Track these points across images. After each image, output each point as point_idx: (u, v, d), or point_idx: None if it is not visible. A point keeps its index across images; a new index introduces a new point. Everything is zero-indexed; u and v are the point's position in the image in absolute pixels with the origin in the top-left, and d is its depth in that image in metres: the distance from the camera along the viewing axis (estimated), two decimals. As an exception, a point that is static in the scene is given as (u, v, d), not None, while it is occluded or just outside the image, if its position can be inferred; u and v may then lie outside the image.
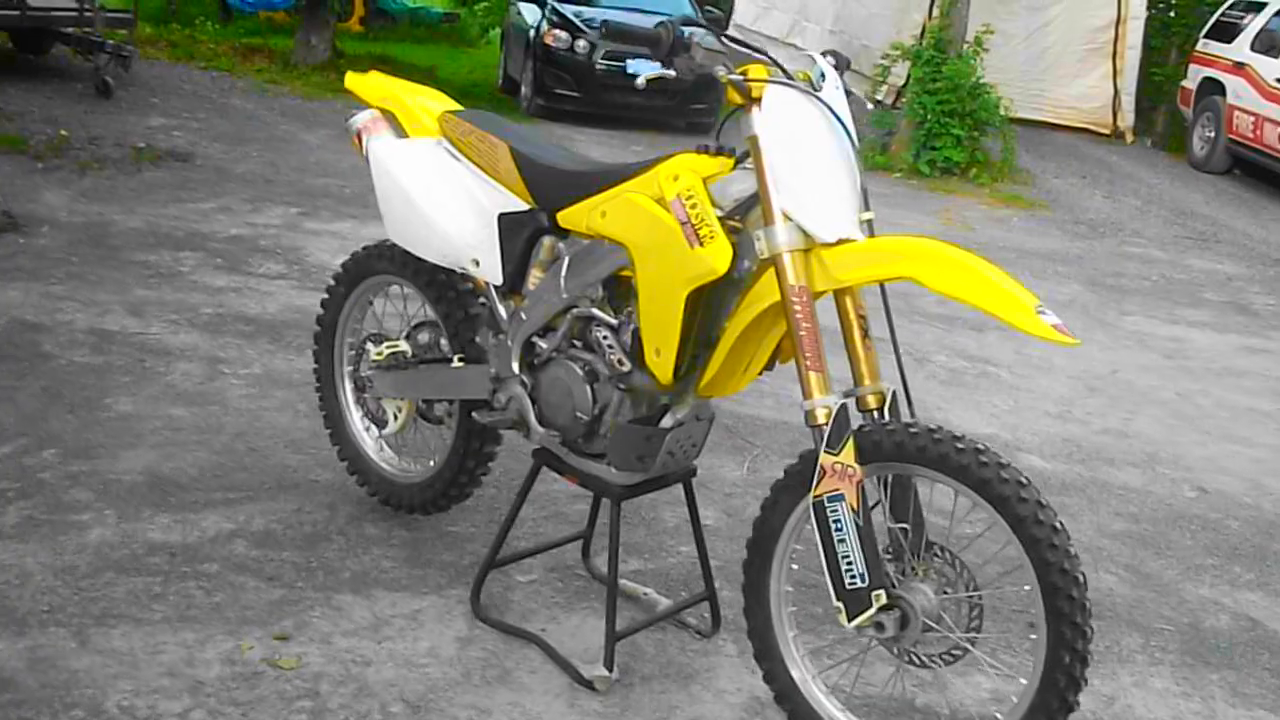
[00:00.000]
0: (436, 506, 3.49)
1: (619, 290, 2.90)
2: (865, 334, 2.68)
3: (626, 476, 2.93)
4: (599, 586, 3.40)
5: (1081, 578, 2.43)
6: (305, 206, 7.11)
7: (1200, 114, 13.77)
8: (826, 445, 2.52)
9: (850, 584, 2.53)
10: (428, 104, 3.31)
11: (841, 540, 2.53)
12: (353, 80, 3.49)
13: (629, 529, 3.67)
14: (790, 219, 2.54)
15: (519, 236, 3.02)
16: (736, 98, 2.61)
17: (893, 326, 2.72)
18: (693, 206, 2.62)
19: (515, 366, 3.06)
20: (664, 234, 2.65)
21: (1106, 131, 15.05)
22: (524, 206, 3.01)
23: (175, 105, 9.54)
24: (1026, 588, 2.47)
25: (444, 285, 3.28)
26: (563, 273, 2.92)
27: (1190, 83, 14.09)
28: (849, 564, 2.53)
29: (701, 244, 2.58)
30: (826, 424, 2.54)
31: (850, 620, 2.55)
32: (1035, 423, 5.19)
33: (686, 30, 2.65)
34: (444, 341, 3.37)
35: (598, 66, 11.64)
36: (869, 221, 2.64)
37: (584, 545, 3.48)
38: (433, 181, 3.12)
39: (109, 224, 6.23)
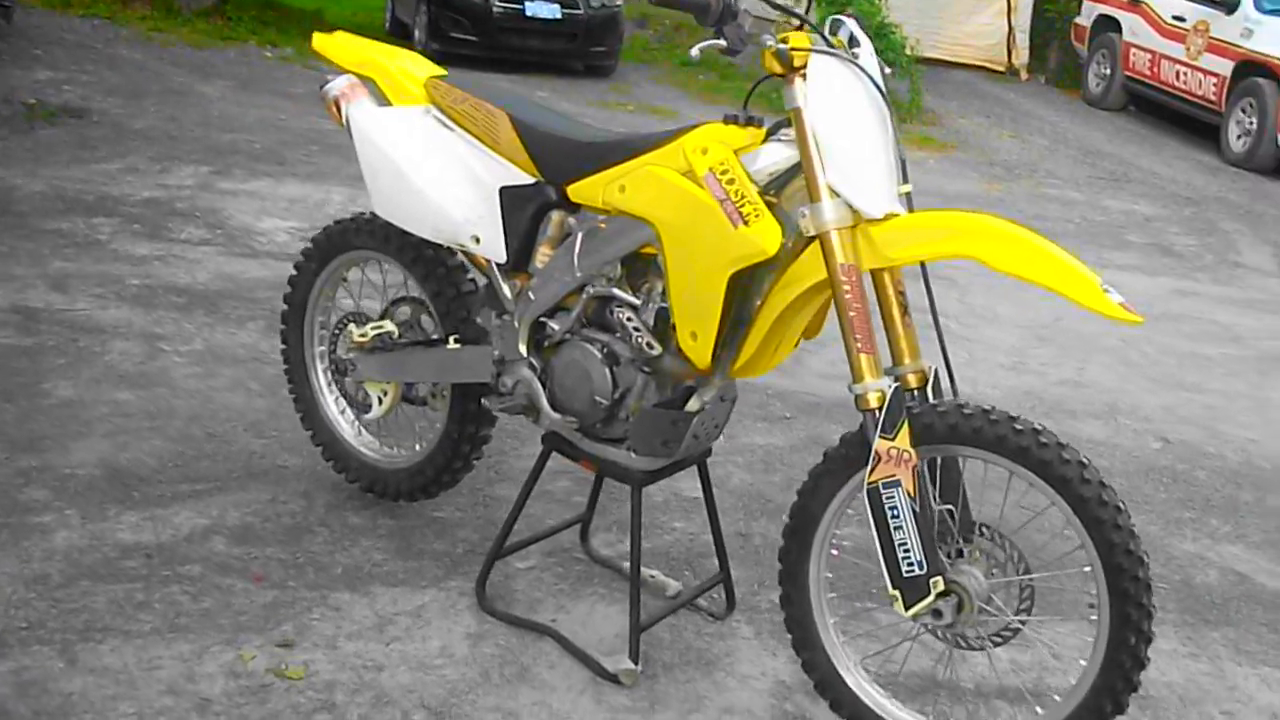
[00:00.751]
0: (426, 493, 3.35)
1: (638, 268, 2.78)
2: (905, 310, 2.61)
3: (648, 461, 2.83)
4: (601, 570, 3.31)
5: (1145, 558, 2.39)
6: (216, 165, 6.79)
7: (1095, 51, 13.98)
8: (881, 430, 2.45)
9: (908, 572, 2.47)
10: (409, 68, 3.13)
11: (899, 527, 2.46)
12: (321, 42, 3.28)
13: (617, 507, 3.57)
14: (837, 194, 2.44)
15: (524, 211, 2.87)
16: (776, 66, 2.49)
17: (934, 303, 2.64)
18: (729, 182, 2.51)
19: (523, 349, 2.92)
20: (699, 211, 2.53)
21: (1001, 69, 15.22)
22: (529, 179, 2.86)
23: (60, 57, 9.05)
24: (1086, 569, 2.44)
25: (432, 262, 3.12)
26: (576, 250, 2.78)
27: (1084, 20, 14.28)
28: (906, 551, 2.47)
29: (746, 223, 2.47)
30: (879, 408, 2.46)
31: (908, 609, 2.49)
32: (991, 375, 5.20)
33: None
34: (425, 320, 3.23)
35: (494, 9, 11.37)
36: (908, 194, 2.56)
37: (583, 528, 3.38)
38: (425, 153, 2.95)
39: (11, 189, 5.87)
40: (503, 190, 2.87)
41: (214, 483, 3.49)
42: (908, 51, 11.28)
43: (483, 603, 3.06)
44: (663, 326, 2.70)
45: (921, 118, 11.27)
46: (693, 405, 2.76)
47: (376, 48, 3.23)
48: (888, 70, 2.69)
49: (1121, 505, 2.40)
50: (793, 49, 2.45)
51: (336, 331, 3.35)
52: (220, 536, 3.23)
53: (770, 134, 2.63)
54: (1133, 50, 13.12)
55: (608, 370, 2.78)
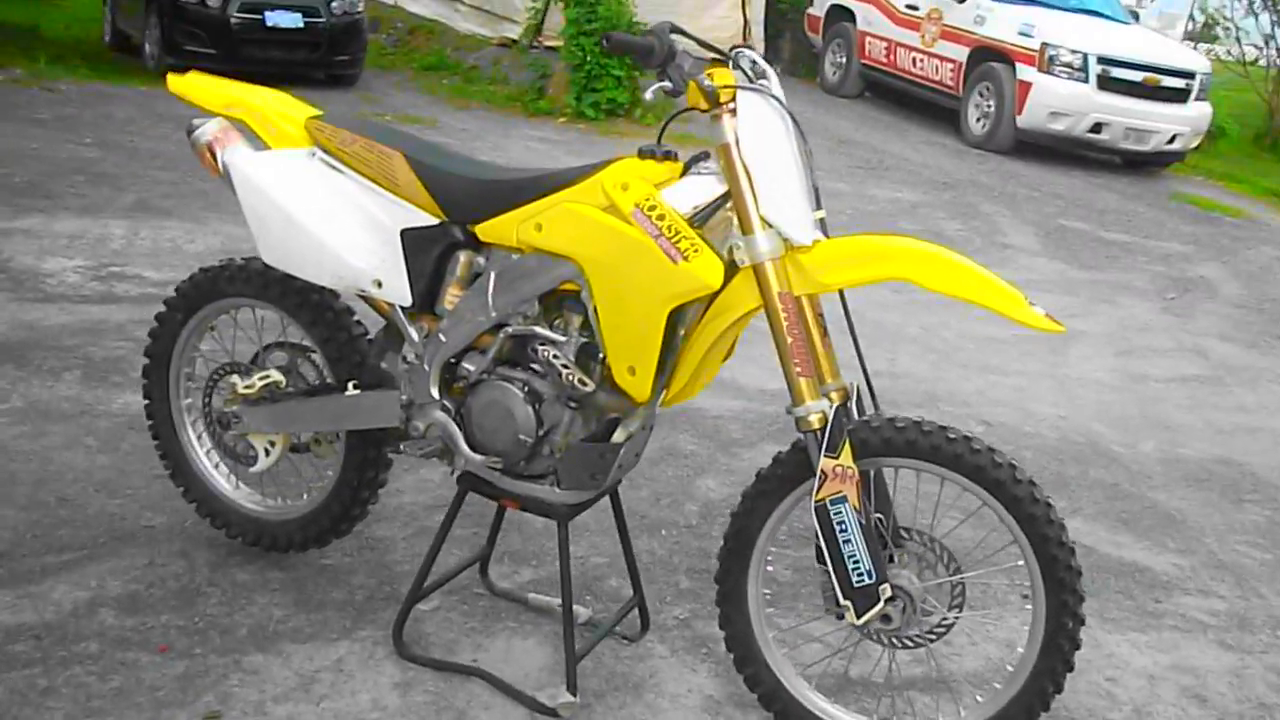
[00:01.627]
0: (320, 542, 3.33)
1: (552, 305, 2.85)
2: (824, 332, 2.77)
3: (573, 495, 2.91)
4: (507, 604, 3.36)
5: (1073, 547, 2.64)
6: (-27, 202, 6.43)
7: (830, 40, 14.66)
8: (826, 449, 2.61)
9: (858, 582, 2.64)
10: (283, 109, 3.10)
11: (847, 541, 2.63)
12: (177, 83, 3.20)
13: (504, 537, 3.63)
14: (770, 225, 2.58)
15: (428, 253, 2.90)
16: (703, 103, 2.61)
17: (851, 322, 2.81)
18: (659, 218, 2.61)
19: (435, 391, 2.95)
20: (631, 248, 2.62)
21: (740, 61, 15.70)
22: (431, 220, 2.88)
23: None
24: (1019, 563, 2.67)
25: (318, 307, 3.11)
26: (490, 290, 2.83)
27: (817, 10, 14.95)
28: (855, 563, 2.63)
29: (686, 258, 2.57)
30: (821, 429, 2.62)
31: (860, 617, 2.66)
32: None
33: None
34: (304, 366, 3.22)
35: (233, 19, 11.06)
36: (822, 220, 2.72)
37: (481, 563, 3.42)
38: (317, 198, 2.93)
39: None
40: (404, 233, 2.89)
41: (81, 550, 3.36)
42: (661, 49, 11.50)
43: (401, 650, 3.07)
44: (588, 362, 2.78)
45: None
46: (619, 436, 2.85)
47: (240, 87, 3.18)
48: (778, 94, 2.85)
49: (1050, 501, 2.63)
50: (720, 86, 2.58)
51: (212, 383, 3.29)
52: (107, 609, 3.12)
53: (687, 168, 2.75)
54: (868, 39, 13.82)
55: (531, 408, 2.84)
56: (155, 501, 3.63)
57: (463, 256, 2.89)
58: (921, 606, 2.73)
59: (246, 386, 3.16)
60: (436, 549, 3.07)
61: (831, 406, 2.65)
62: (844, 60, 14.45)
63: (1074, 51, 11.44)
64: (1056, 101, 11.46)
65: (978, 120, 12.19)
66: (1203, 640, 3.70)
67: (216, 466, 3.42)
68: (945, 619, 2.77)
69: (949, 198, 9.55)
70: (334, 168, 2.96)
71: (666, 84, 2.60)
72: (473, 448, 2.92)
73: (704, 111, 2.63)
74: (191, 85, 3.18)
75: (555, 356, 2.77)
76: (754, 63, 2.78)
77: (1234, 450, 5.37)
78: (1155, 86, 11.65)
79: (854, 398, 2.83)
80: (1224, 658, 3.61)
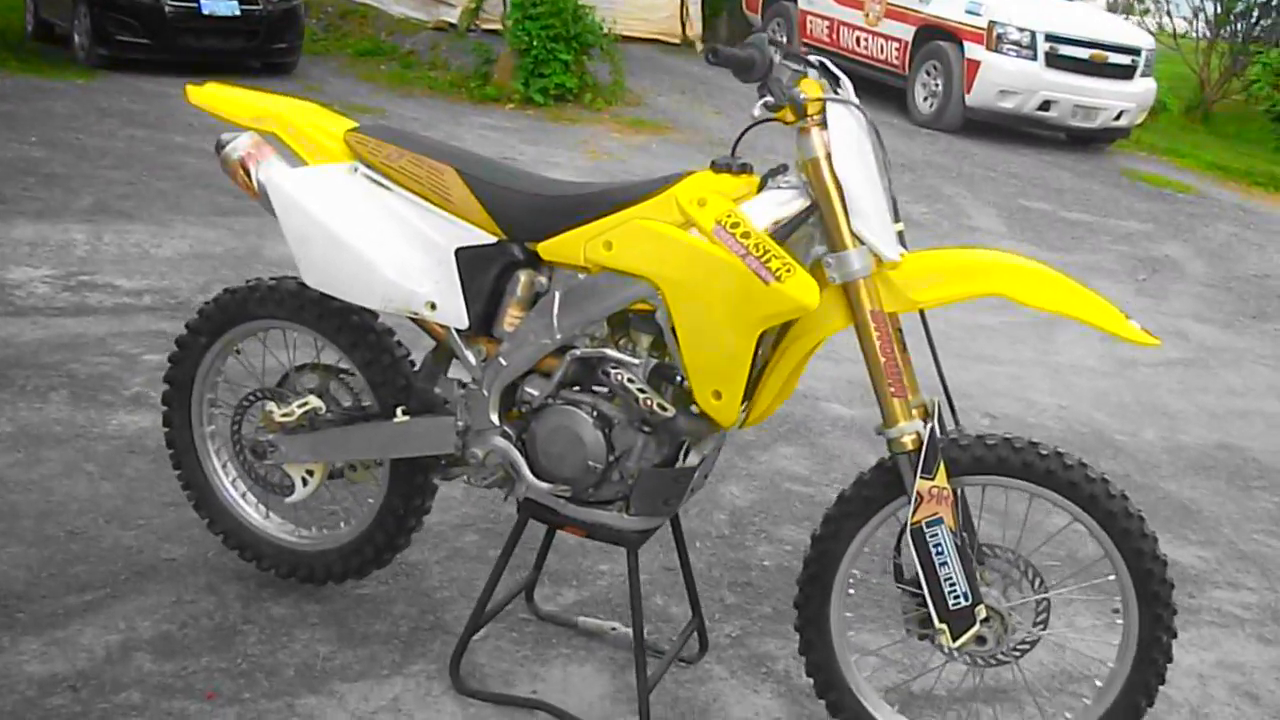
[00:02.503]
0: (360, 574, 3.21)
1: (618, 324, 2.76)
2: (904, 347, 2.71)
3: (643, 521, 2.82)
4: (555, 629, 3.27)
5: (1166, 560, 2.60)
6: (-81, 209, 6.17)
7: (770, 20, 14.60)
8: (922, 470, 2.55)
9: (955, 604, 2.60)
10: (318, 120, 2.97)
11: (944, 563, 2.59)
12: (200, 95, 3.06)
13: (530, 556, 3.55)
14: (861, 242, 2.52)
15: (487, 273, 2.79)
16: (790, 116, 2.53)
17: (931, 336, 2.75)
18: (744, 236, 2.52)
19: (495, 417, 2.84)
20: (715, 267, 2.53)
21: (676, 41, 15.63)
22: (489, 239, 2.77)
23: None
24: (1110, 577, 2.63)
25: (360, 329, 2.99)
26: (555, 311, 2.72)
27: (757, -11, 14.90)
28: (951, 585, 2.59)
29: (779, 278, 2.48)
30: (916, 450, 2.56)
31: (956, 639, 2.61)
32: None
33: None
34: (336, 388, 3.10)
35: (167, 8, 10.78)
36: (900, 232, 2.65)
37: (527, 589, 3.32)
38: (364, 216, 2.81)
39: None
40: (459, 252, 2.77)
41: (103, 589, 3.22)
42: (605, 31, 11.42)
43: (460, 685, 2.97)
44: (663, 384, 2.69)
45: (625, 98, 11.47)
46: (693, 460, 2.77)
47: (267, 98, 3.04)
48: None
49: (1143, 514, 2.60)
50: (810, 98, 2.50)
51: (241, 411, 3.15)
52: (142, 653, 2.98)
53: (763, 181, 2.67)
54: (810, 18, 13.80)
55: (601, 434, 2.74)
56: (171, 532, 3.48)
57: (523, 276, 2.78)
58: (1012, 625, 2.68)
59: (285, 414, 3.03)
60: (496, 579, 2.97)
61: (926, 426, 2.59)
62: (784, 40, 14.34)
63: (1022, 29, 11.49)
64: (1005, 80, 11.51)
65: (925, 99, 12.21)
66: (1241, 635, 3.71)
67: (244, 496, 3.29)
68: (1030, 636, 2.73)
69: (909, 180, 9.54)
70: (380, 184, 2.83)
71: (769, 98, 2.51)
72: (536, 475, 2.82)
73: (789, 124, 2.54)
74: (215, 97, 3.04)
75: (630, 380, 2.68)
76: (826, 68, 2.70)
77: (1231, 435, 5.41)
78: (1102, 63, 11.75)
79: (935, 414, 2.76)
80: (1266, 653, 3.62)
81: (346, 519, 3.26)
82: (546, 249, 2.73)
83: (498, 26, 12.49)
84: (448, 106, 10.77)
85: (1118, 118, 11.96)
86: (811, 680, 2.85)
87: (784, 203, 2.62)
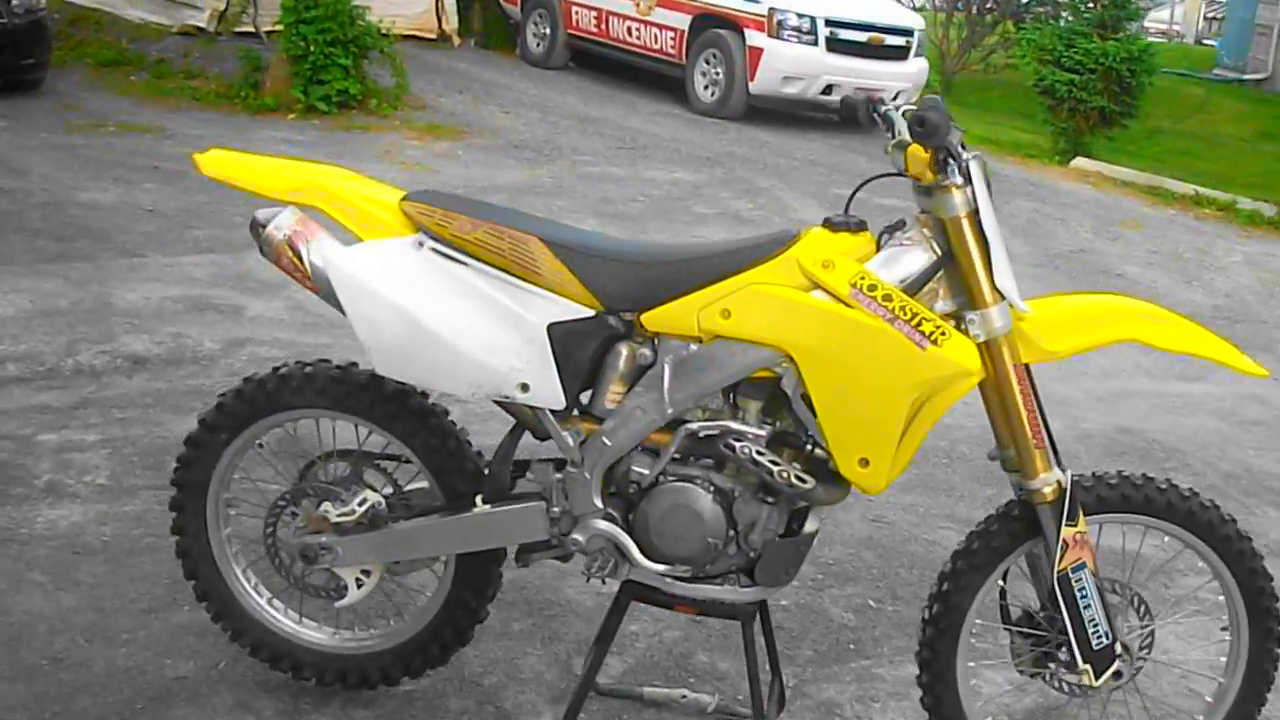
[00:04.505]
0: (418, 673, 3.02)
1: (727, 392, 2.67)
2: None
3: (759, 593, 2.74)
4: (624, 704, 3.15)
5: (1272, 577, 2.80)
6: None
7: (531, 12, 14.44)
8: (1067, 519, 2.58)
9: (1097, 644, 2.68)
10: (364, 190, 2.76)
11: (1087, 606, 2.66)
12: (215, 164, 2.77)
13: (559, 621, 3.43)
14: (1002, 298, 2.52)
15: (584, 349, 2.64)
16: (927, 174, 2.49)
17: (1032, 377, 2.76)
18: (886, 299, 2.50)
19: (598, 500, 2.69)
20: (859, 333, 2.49)
21: (433, 36, 15.28)
22: (585, 312, 2.63)
23: None
24: (1220, 598, 2.83)
25: (418, 415, 2.82)
26: (665, 384, 2.61)
27: (515, -20, 14.71)
28: (1094, 626, 2.67)
29: (935, 343, 2.47)
30: (1056, 499, 2.58)
31: (1099, 678, 2.69)
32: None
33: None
34: (374, 477, 2.89)
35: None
36: None
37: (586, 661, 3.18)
38: (441, 295, 2.62)
39: None
40: (552, 327, 2.62)
41: (124, 720, 2.92)
42: (384, 33, 11.07)
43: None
44: (784, 453, 2.62)
45: (410, 102, 11.15)
46: (812, 526, 2.72)
47: (298, 165, 2.83)
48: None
49: (1250, 535, 2.77)
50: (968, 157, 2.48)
51: (277, 513, 2.89)
52: (203, 791, 2.72)
53: (882, 238, 2.64)
54: (575, 9, 13.70)
55: (720, 509, 2.66)
56: (165, 644, 3.22)
57: (624, 350, 2.66)
58: (1134, 656, 2.80)
59: (344, 513, 2.80)
60: (598, 665, 2.85)
61: (1067, 475, 2.63)
62: (547, 32, 14.28)
63: (801, 15, 11.74)
64: (789, 66, 11.75)
65: (706, 88, 12.34)
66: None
67: (270, 601, 3.03)
68: (1138, 664, 2.83)
69: (721, 174, 9.63)
70: (453, 258, 2.64)
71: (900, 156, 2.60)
72: (647, 555, 2.69)
73: (925, 181, 2.52)
74: (235, 165, 2.78)
75: (759, 453, 2.59)
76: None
77: (1124, 419, 5.68)
78: (879, 45, 12.13)
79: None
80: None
81: (398, 616, 3.04)
82: (652, 320, 2.61)
83: (250, 29, 11.94)
84: (225, 120, 10.23)
85: (895, 98, 12.33)
86: (939, 735, 2.84)
87: (908, 260, 2.59)
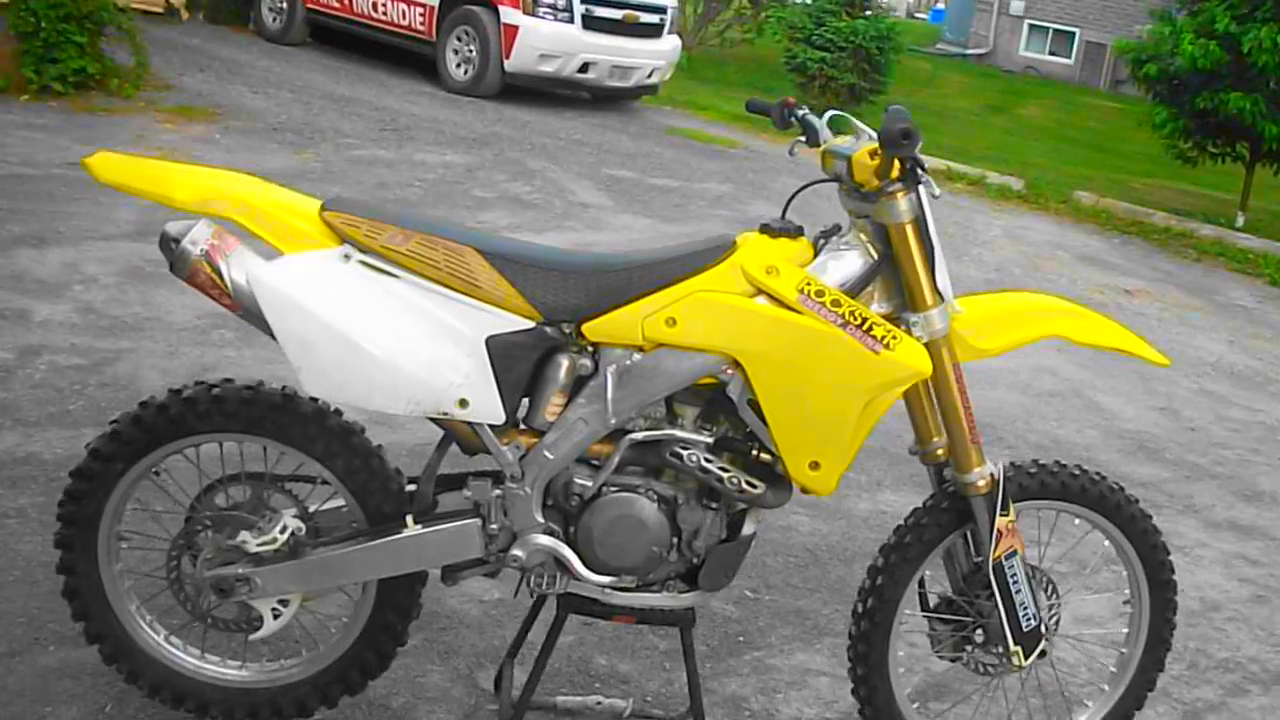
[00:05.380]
0: (334, 702, 2.90)
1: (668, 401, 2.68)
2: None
3: (698, 597, 2.77)
4: (540, 714, 3.11)
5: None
6: None
7: (264, -12, 13.96)
8: (1001, 509, 2.70)
9: (1027, 626, 2.81)
10: (278, 198, 2.63)
11: (1019, 590, 2.79)
12: (107, 167, 2.55)
13: (450, 634, 3.38)
14: (941, 299, 2.61)
15: (524, 361, 2.59)
16: (875, 181, 2.54)
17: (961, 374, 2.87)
18: (834, 304, 2.55)
19: (539, 515, 2.66)
20: (810, 339, 2.53)
21: (160, 10, 14.59)
22: (524, 324, 2.58)
23: None
24: (1124, 572, 3.03)
25: (338, 434, 2.71)
26: (609, 394, 2.59)
27: (245, -47, 14.16)
28: (1025, 609, 2.81)
29: (888, 347, 2.53)
30: (990, 491, 2.70)
31: (1028, 658, 2.83)
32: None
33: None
34: (280, 500, 2.78)
35: None
36: None
37: (497, 679, 3.14)
38: (374, 311, 2.52)
39: None
40: (491, 340, 2.56)
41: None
42: (122, 8, 10.50)
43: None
44: (758, 463, 2.65)
45: (152, 81, 10.61)
46: (749, 529, 2.75)
47: (204, 172, 2.64)
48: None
49: (1150, 514, 2.97)
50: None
51: (181, 546, 2.73)
52: None
53: (818, 243, 2.69)
54: (319, -16, 13.32)
55: (664, 517, 2.66)
56: (39, 689, 3.02)
57: (564, 360, 2.62)
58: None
59: (263, 542, 2.67)
60: (535, 682, 2.80)
61: (999, 467, 2.74)
62: (285, 6, 13.81)
63: (557, -8, 11.73)
64: (545, 44, 11.72)
65: (459, 66, 12.19)
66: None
67: (167, 638, 2.87)
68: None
69: (492, 156, 9.54)
70: (384, 271, 2.55)
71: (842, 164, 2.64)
72: (590, 568, 2.68)
73: (868, 188, 2.57)
74: (134, 170, 2.58)
75: (707, 460, 2.61)
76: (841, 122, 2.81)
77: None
78: (634, 23, 12.22)
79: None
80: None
81: (310, 645, 2.92)
82: (593, 330, 2.59)
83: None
84: (-51, 103, 9.51)
85: (649, 75, 12.53)
86: (875, 726, 2.93)
87: (847, 264, 2.65)
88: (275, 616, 2.77)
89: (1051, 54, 23.49)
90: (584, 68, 11.94)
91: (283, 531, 2.67)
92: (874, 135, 2.73)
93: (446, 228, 2.62)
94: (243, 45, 13.29)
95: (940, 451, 2.85)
